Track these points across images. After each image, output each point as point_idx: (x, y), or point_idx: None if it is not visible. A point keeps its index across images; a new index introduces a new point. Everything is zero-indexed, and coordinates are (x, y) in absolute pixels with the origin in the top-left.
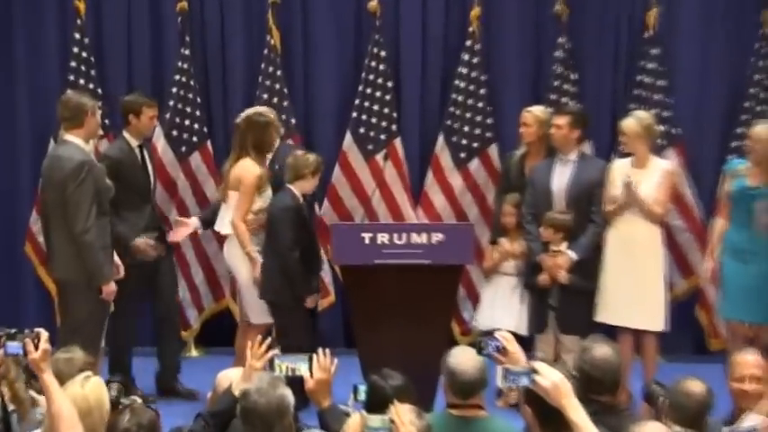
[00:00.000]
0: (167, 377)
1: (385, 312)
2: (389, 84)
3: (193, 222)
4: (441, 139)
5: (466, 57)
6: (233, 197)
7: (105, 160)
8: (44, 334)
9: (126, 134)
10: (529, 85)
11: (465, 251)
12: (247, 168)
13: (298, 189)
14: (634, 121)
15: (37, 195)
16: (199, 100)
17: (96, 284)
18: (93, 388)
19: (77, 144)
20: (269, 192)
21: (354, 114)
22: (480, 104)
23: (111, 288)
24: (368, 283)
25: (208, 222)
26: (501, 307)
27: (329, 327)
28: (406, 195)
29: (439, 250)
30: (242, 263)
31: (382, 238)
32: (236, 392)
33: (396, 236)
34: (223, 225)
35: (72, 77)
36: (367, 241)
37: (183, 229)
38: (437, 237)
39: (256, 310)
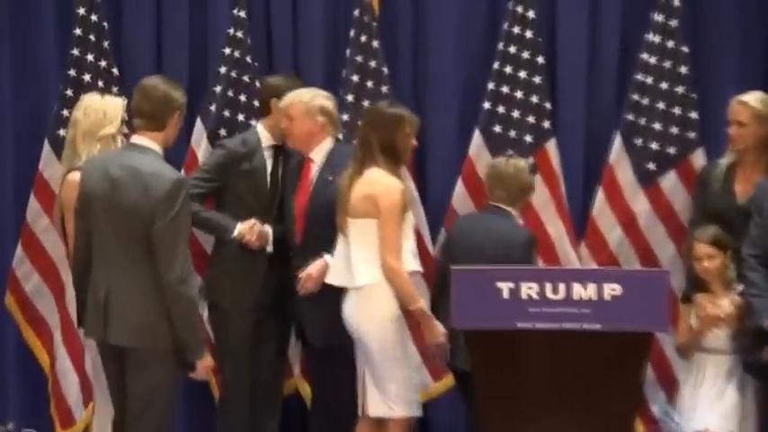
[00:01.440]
0: None
1: (531, 403)
2: (539, 60)
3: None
4: (617, 143)
5: (659, 17)
6: (361, 228)
7: (220, 152)
8: None
9: (260, 126)
10: (746, 64)
11: (656, 312)
12: (384, 183)
13: (517, 212)
14: None
15: (25, 224)
16: (257, 84)
17: (192, 359)
18: None
19: (159, 153)
20: (411, 218)
21: (487, 105)
22: (679, 89)
23: (208, 362)
24: (505, 358)
25: None
26: (707, 402)
27: (442, 421)
28: (563, 224)
29: (615, 310)
30: (386, 326)
31: (528, 289)
32: None
33: (549, 287)
34: (349, 272)
35: (76, 51)
36: (505, 294)
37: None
38: (612, 289)
39: (402, 398)
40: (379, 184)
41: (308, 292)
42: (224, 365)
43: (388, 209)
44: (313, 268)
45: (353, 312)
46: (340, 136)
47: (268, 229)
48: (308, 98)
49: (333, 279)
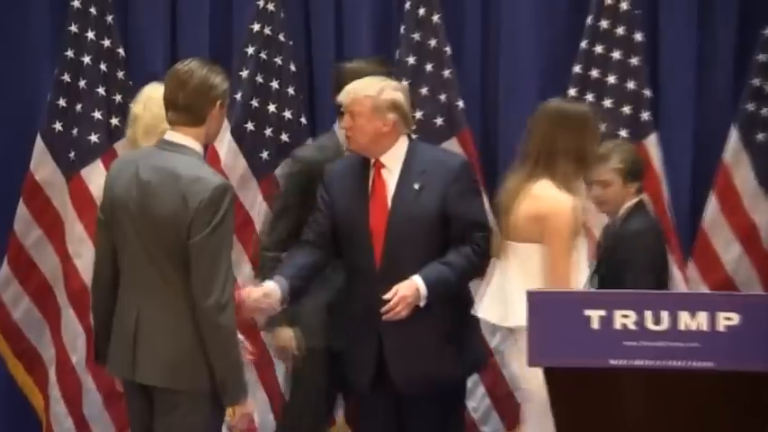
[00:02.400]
0: None
1: None
2: (637, 37)
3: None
4: (734, 139)
5: None
6: (524, 254)
7: (294, 165)
8: None
9: (339, 128)
10: None
11: None
12: (553, 200)
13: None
14: None
15: (13, 237)
16: (292, 67)
17: (228, 403)
18: None
19: (198, 152)
20: (584, 244)
21: (572, 92)
22: None
23: (249, 409)
24: (595, 403)
25: (299, 293)
26: None
27: None
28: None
29: (732, 344)
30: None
31: (624, 318)
32: None
33: (649, 315)
34: (503, 307)
35: (74, 27)
36: (595, 324)
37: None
38: (728, 318)
39: None
40: (549, 200)
41: (396, 317)
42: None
43: (555, 232)
44: (407, 290)
45: (511, 360)
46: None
47: (269, 287)
48: (376, 91)
49: (484, 313)
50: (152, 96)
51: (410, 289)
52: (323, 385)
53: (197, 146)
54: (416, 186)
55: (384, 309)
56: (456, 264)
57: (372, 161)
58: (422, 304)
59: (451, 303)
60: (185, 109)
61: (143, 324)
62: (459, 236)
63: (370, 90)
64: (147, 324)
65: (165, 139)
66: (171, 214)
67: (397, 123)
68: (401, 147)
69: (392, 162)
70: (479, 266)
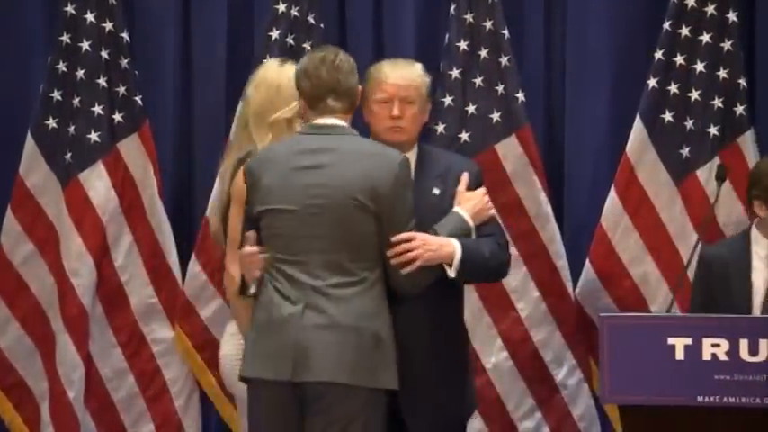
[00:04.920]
0: None
1: None
2: (730, 16)
3: None
4: None
5: None
6: None
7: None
8: None
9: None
10: None
11: None
12: None
13: None
14: None
15: (1, 257)
16: None
17: None
18: None
19: (355, 132)
20: None
21: (652, 82)
22: None
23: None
24: None
25: None
26: None
27: None
28: None
29: None
30: None
31: (714, 348)
32: None
33: (744, 344)
34: None
35: (70, 8)
36: (680, 354)
37: None
38: None
39: None
40: None
41: (409, 266)
42: None
43: None
44: (435, 240)
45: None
46: None
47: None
48: (424, 72)
49: None
50: (265, 77)
51: (439, 242)
52: None
53: (351, 129)
54: (436, 191)
55: (395, 250)
56: (487, 243)
57: None
58: (452, 274)
59: (458, 333)
60: (345, 95)
61: (309, 322)
62: None
63: (419, 70)
64: (314, 322)
65: (321, 123)
66: (360, 192)
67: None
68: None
69: (412, 159)
70: (504, 260)
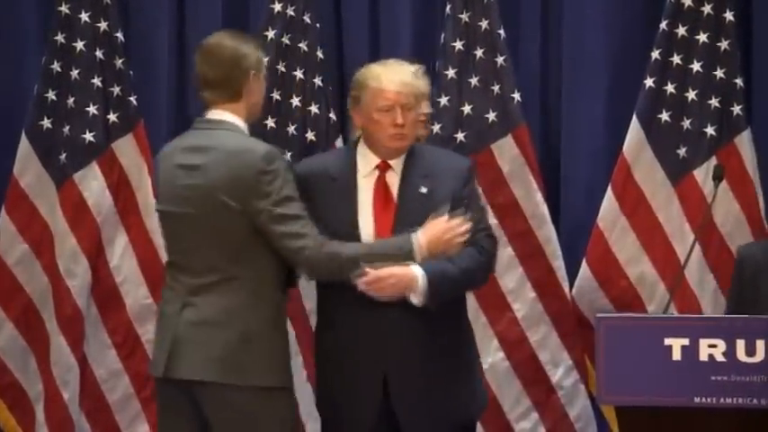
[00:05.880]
0: None
1: None
2: (727, 16)
3: None
4: None
5: None
6: None
7: None
8: None
9: None
10: None
11: None
12: None
13: None
14: None
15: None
16: (320, 54)
17: (410, 256)
18: None
19: (239, 126)
20: None
21: (649, 82)
22: None
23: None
24: None
25: None
26: None
27: None
28: None
29: None
30: None
31: (711, 348)
32: None
33: (741, 344)
34: None
35: (64, 7)
36: (677, 355)
37: None
38: None
39: None
40: None
41: (373, 293)
42: None
43: None
44: (398, 270)
45: None
46: None
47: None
48: (418, 71)
49: None
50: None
51: (403, 271)
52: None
53: (238, 121)
54: (423, 190)
55: (363, 279)
56: (458, 261)
57: (376, 163)
58: (416, 301)
59: (462, 331)
60: (219, 85)
61: (186, 320)
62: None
63: (417, 73)
64: (192, 320)
65: (206, 117)
66: (222, 195)
67: None
68: None
69: (397, 163)
70: (485, 266)
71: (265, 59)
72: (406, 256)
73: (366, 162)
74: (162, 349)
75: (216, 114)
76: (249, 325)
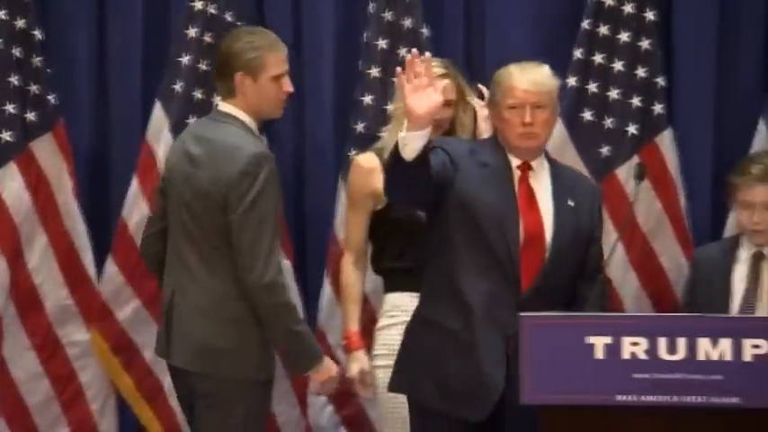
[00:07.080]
0: None
1: None
2: (649, 15)
3: None
4: (762, 134)
5: None
6: None
7: None
8: None
9: None
10: None
11: None
12: None
13: None
14: None
15: None
16: None
17: (297, 371)
18: None
19: (244, 121)
20: None
21: (571, 81)
22: None
23: (324, 376)
24: None
25: None
26: None
27: None
28: (683, 252)
29: (764, 377)
30: None
31: (633, 346)
32: None
33: (663, 342)
34: None
35: None
36: (600, 353)
37: None
38: (756, 346)
39: None
40: None
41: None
42: None
43: None
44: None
45: None
46: None
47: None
48: (553, 75)
49: None
50: None
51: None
52: None
53: (243, 115)
54: (571, 203)
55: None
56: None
57: (518, 163)
58: None
59: None
60: (216, 80)
61: (177, 305)
62: (592, 266)
63: (551, 76)
64: (181, 305)
65: (216, 109)
66: (208, 187)
67: None
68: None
69: (540, 169)
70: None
71: (185, 59)
72: (308, 364)
73: (511, 159)
74: (161, 333)
75: (223, 107)
76: (233, 314)
